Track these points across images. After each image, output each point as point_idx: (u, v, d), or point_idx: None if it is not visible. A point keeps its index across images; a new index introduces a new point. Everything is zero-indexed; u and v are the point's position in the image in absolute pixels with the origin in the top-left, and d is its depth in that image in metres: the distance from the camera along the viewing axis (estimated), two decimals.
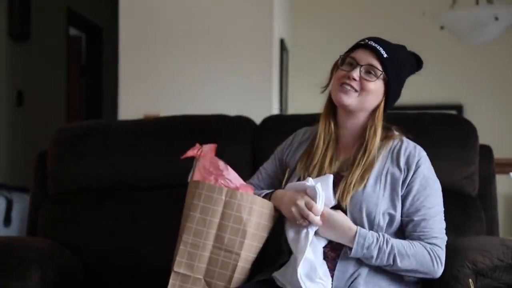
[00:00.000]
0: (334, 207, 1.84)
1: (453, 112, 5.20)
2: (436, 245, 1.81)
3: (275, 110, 4.10)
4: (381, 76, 1.86)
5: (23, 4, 5.14)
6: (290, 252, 1.85)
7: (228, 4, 3.99)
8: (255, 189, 1.98)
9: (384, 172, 1.86)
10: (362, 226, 1.81)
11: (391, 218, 1.83)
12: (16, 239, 2.52)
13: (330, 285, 1.78)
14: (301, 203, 1.81)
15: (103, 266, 2.41)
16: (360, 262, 1.81)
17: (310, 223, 1.80)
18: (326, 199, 1.82)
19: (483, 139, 2.37)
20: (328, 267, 1.81)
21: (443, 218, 1.87)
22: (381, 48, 1.86)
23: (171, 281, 1.84)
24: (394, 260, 1.78)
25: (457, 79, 5.48)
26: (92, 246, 2.43)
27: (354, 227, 1.80)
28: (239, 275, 1.83)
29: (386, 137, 1.90)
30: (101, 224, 2.45)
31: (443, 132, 2.34)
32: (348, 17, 5.53)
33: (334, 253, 1.83)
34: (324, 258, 1.82)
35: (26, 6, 5.18)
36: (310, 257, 1.78)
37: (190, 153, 1.96)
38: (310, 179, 1.85)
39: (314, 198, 1.81)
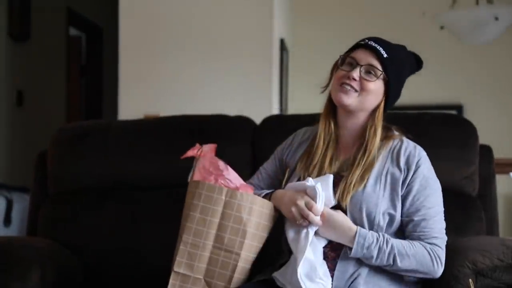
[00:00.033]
0: (334, 207, 1.84)
1: (453, 112, 5.20)
2: (436, 245, 1.81)
3: (275, 110, 4.10)
4: (381, 76, 1.86)
5: (23, 4, 5.14)
6: (290, 252, 1.85)
7: (228, 4, 3.99)
8: (255, 189, 1.98)
9: (384, 172, 1.86)
10: (362, 226, 1.81)
11: (391, 218, 1.83)
12: (16, 239, 2.52)
13: (330, 285, 1.78)
14: (301, 203, 1.81)
15: (103, 266, 2.41)
16: (360, 262, 1.81)
17: (310, 223, 1.80)
18: (326, 199, 1.82)
19: (483, 139, 2.37)
20: (328, 267, 1.81)
21: (443, 218, 1.87)
22: (381, 48, 1.85)
23: (171, 281, 1.84)
24: (394, 260, 1.78)
25: (457, 79, 5.48)
26: (92, 246, 2.43)
27: (354, 227, 1.80)
28: (239, 275, 1.83)
29: (386, 137, 1.90)
30: (101, 224, 2.45)
31: (443, 132, 2.34)
32: (348, 17, 5.53)
33: (334, 253, 1.83)
34: (324, 258, 1.82)
35: (26, 6, 5.18)
36: (310, 257, 1.78)
37: (190, 153, 1.96)
38: (310, 179, 1.85)
39: (314, 198, 1.81)
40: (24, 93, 5.22)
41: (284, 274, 1.82)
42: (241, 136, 2.49)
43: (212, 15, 3.98)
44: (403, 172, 1.85)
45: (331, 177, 1.84)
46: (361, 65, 1.85)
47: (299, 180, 1.92)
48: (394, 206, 1.83)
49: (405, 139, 1.92)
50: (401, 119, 2.10)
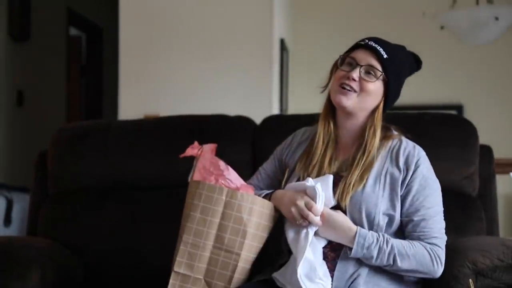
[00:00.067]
0: (334, 208, 1.84)
1: (453, 112, 5.20)
2: (436, 245, 1.81)
3: (275, 110, 4.10)
4: (381, 77, 1.86)
5: (23, 4, 5.14)
6: (289, 253, 1.85)
7: (228, 4, 3.99)
8: (254, 189, 1.98)
9: (384, 172, 1.86)
10: (362, 227, 1.80)
11: (391, 218, 1.83)
12: (16, 239, 2.52)
13: (330, 286, 1.78)
14: (300, 203, 1.81)
15: (103, 266, 2.41)
16: (360, 262, 1.81)
17: (310, 223, 1.80)
18: (326, 199, 1.82)
19: (483, 139, 2.37)
20: (328, 267, 1.81)
21: (443, 218, 1.87)
22: (381, 49, 1.85)
23: (171, 281, 1.84)
24: (394, 260, 1.78)
25: (457, 79, 5.48)
26: (92, 246, 2.43)
27: (354, 227, 1.80)
28: (239, 275, 1.83)
29: (385, 137, 1.90)
30: (101, 224, 2.45)
31: (443, 132, 2.34)
32: (348, 17, 5.53)
33: (334, 253, 1.83)
34: (324, 259, 1.82)
35: (26, 6, 5.18)
36: (309, 257, 1.78)
37: (190, 152, 1.96)
38: (310, 179, 1.85)
39: (314, 198, 1.81)
40: (24, 93, 5.22)
41: (284, 275, 1.82)
42: (241, 136, 2.49)
43: (213, 15, 3.98)
44: (402, 172, 1.85)
45: (331, 177, 1.84)
46: (361, 66, 1.85)
47: (298, 180, 1.92)
48: (393, 206, 1.83)
49: (404, 138, 1.92)
50: (401, 119, 2.10)
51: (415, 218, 1.82)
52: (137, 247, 2.40)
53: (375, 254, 1.78)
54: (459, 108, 5.41)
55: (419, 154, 1.87)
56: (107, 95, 6.28)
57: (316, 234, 1.82)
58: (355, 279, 1.79)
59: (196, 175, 1.91)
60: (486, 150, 2.39)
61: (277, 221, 1.90)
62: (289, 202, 1.84)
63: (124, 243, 2.42)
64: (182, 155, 1.97)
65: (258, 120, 2.59)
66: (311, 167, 1.91)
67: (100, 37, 6.53)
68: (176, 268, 1.84)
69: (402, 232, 1.85)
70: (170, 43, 3.98)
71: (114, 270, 2.40)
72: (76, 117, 6.07)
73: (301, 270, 1.76)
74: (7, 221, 4.10)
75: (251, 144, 2.48)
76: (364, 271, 1.80)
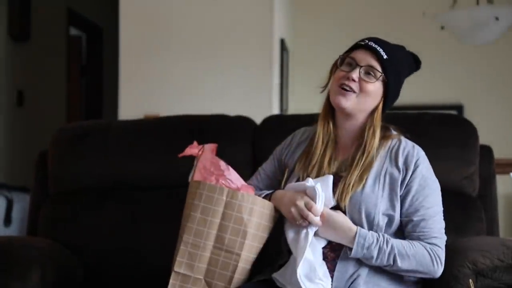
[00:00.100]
0: (333, 208, 1.84)
1: (453, 112, 5.20)
2: (436, 245, 1.81)
3: (275, 110, 4.10)
4: (381, 78, 1.85)
5: (23, 4, 5.14)
6: (289, 253, 1.85)
7: (228, 4, 3.99)
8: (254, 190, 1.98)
9: (383, 173, 1.85)
10: (361, 227, 1.80)
11: (390, 218, 1.83)
12: (16, 239, 2.52)
13: (330, 286, 1.78)
14: (300, 203, 1.81)
15: (103, 266, 2.41)
16: (360, 262, 1.81)
17: (309, 223, 1.80)
18: (326, 199, 1.82)
19: (483, 139, 2.37)
20: (328, 267, 1.81)
21: (442, 217, 1.87)
22: (381, 49, 1.85)
23: (171, 281, 1.84)
24: (394, 260, 1.78)
25: (457, 79, 5.48)
26: (92, 246, 2.43)
27: (354, 227, 1.79)
28: (239, 275, 1.83)
29: (384, 137, 1.90)
30: (101, 224, 2.45)
31: (443, 132, 2.34)
32: (348, 17, 5.53)
33: (334, 253, 1.83)
34: (324, 259, 1.82)
35: (26, 6, 5.18)
36: (309, 257, 1.78)
37: (189, 151, 1.96)
38: (310, 179, 1.85)
39: (313, 198, 1.81)
40: (24, 93, 5.22)
41: (284, 275, 1.82)
42: (241, 136, 2.49)
43: (213, 15, 3.99)
44: (401, 172, 1.85)
45: (330, 178, 1.84)
46: (361, 66, 1.85)
47: (298, 180, 1.92)
48: (393, 207, 1.83)
49: (403, 138, 1.92)
50: (401, 119, 2.10)
51: (415, 218, 1.82)
52: (137, 247, 2.40)
53: (375, 254, 1.78)
54: (459, 108, 5.41)
55: (418, 154, 1.87)
56: (107, 95, 6.28)
57: (316, 234, 1.82)
58: (355, 279, 1.79)
59: (197, 175, 1.91)
60: (486, 150, 2.39)
61: (277, 222, 1.90)
62: (289, 202, 1.84)
63: (124, 243, 2.42)
64: (181, 155, 1.97)
65: (258, 120, 2.59)
66: (310, 167, 1.91)
67: (100, 37, 6.54)
68: (176, 268, 1.84)
69: (402, 232, 1.85)
70: (170, 43, 3.98)
71: (114, 270, 2.40)
72: (76, 117, 6.07)
73: (301, 271, 1.76)
74: (7, 221, 4.10)
75: (251, 144, 2.48)
76: (364, 271, 1.80)
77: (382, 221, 1.82)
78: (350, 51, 1.90)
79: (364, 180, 1.83)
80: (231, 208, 1.84)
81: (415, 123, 2.30)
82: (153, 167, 2.50)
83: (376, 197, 1.82)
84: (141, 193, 2.50)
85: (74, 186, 2.55)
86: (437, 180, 1.89)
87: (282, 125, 2.43)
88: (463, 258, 1.83)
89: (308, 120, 2.08)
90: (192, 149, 1.96)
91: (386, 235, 1.80)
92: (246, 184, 1.92)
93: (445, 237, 1.85)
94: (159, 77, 3.99)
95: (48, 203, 2.55)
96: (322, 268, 1.79)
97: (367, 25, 5.23)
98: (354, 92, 1.84)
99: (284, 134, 2.12)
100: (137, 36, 4.02)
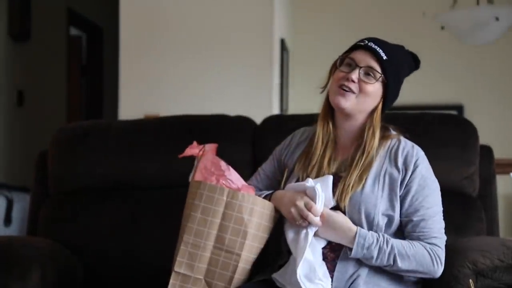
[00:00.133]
0: (333, 208, 1.84)
1: (454, 112, 5.20)
2: (436, 245, 1.81)
3: (276, 110, 4.10)
4: (380, 79, 1.85)
5: (23, 4, 5.14)
6: (289, 253, 1.84)
7: (228, 4, 4.00)
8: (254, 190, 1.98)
9: (382, 173, 1.85)
10: (361, 227, 1.80)
11: (390, 219, 1.83)
12: (16, 239, 2.52)
13: (330, 286, 1.77)
14: (300, 203, 1.81)
15: (103, 266, 2.40)
16: (359, 262, 1.81)
17: (309, 223, 1.80)
18: (326, 200, 1.82)
19: (483, 139, 2.37)
20: (328, 268, 1.81)
21: (442, 217, 1.87)
22: (380, 50, 1.85)
23: (171, 281, 1.84)
24: (394, 260, 1.78)
25: (457, 79, 5.48)
26: (92, 246, 2.43)
27: (354, 227, 1.79)
28: (239, 275, 1.83)
29: (383, 137, 1.90)
30: (101, 224, 2.45)
31: (443, 132, 2.34)
32: (348, 17, 5.53)
33: (334, 254, 1.83)
34: (324, 259, 1.82)
35: (26, 6, 5.18)
36: (309, 258, 1.78)
37: (189, 152, 1.96)
38: (310, 179, 1.84)
39: (313, 198, 1.81)
40: (24, 93, 5.22)
41: (284, 275, 1.82)
42: (241, 136, 2.49)
43: (213, 15, 3.99)
44: (401, 172, 1.85)
45: (330, 178, 1.84)
46: (360, 67, 1.85)
47: (297, 180, 1.92)
48: (392, 207, 1.83)
49: (402, 138, 1.92)
50: (401, 119, 2.10)
51: (415, 218, 1.82)
52: (137, 247, 2.40)
53: (375, 254, 1.77)
54: (459, 108, 5.41)
55: (418, 154, 1.87)
56: (107, 95, 6.28)
57: (315, 234, 1.82)
58: (355, 279, 1.79)
59: (197, 175, 1.91)
60: (487, 151, 2.39)
61: (277, 222, 1.90)
62: (289, 202, 1.84)
63: (124, 243, 2.42)
64: (181, 155, 1.97)
65: (258, 120, 2.59)
66: (310, 168, 1.91)
67: (101, 37, 6.53)
68: (176, 268, 1.84)
69: (401, 233, 1.85)
70: (170, 43, 3.99)
71: (114, 270, 2.40)
72: (76, 117, 6.07)
73: (301, 271, 1.76)
74: (7, 220, 4.11)
75: (251, 144, 2.48)
76: (364, 272, 1.80)
77: (381, 221, 1.82)
78: (349, 51, 1.90)
79: (364, 180, 1.83)
80: (231, 209, 1.83)
81: (415, 123, 2.30)
82: (153, 167, 2.50)
83: (375, 197, 1.82)
84: (141, 193, 2.50)
85: (74, 186, 2.54)
86: (436, 180, 1.89)
87: (282, 125, 2.43)
88: (463, 258, 1.83)
89: (308, 120, 2.07)
90: (193, 149, 1.96)
91: (386, 235, 1.80)
92: (246, 184, 1.92)
93: (445, 237, 1.85)
94: (159, 77, 3.99)
95: (48, 203, 2.55)
96: (322, 269, 1.79)
97: (367, 25, 5.23)
98: (353, 93, 1.84)
99: (284, 134, 2.12)
100: (137, 36, 4.02)
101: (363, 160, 1.85)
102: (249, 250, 1.84)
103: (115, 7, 4.16)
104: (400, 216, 1.84)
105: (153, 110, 3.85)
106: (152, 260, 2.35)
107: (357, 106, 1.86)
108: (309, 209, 1.79)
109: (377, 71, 1.84)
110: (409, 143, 1.90)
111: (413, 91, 3.56)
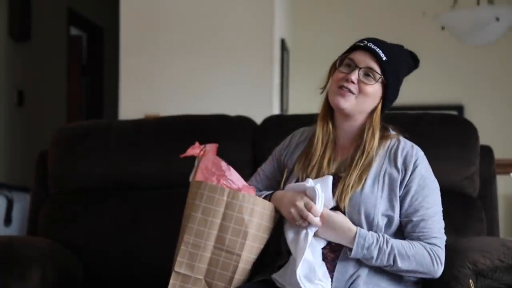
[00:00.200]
0: (333, 209, 1.83)
1: (454, 112, 5.20)
2: (436, 245, 1.81)
3: (276, 110, 4.10)
4: (380, 80, 1.85)
5: (24, 4, 5.14)
6: (289, 253, 1.84)
7: (228, 4, 4.00)
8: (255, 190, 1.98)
9: (382, 173, 1.85)
10: (361, 227, 1.80)
11: (390, 219, 1.83)
12: (16, 239, 2.52)
13: (330, 286, 1.77)
14: (300, 204, 1.80)
15: (103, 266, 2.40)
16: (359, 263, 1.81)
17: (309, 224, 1.80)
18: (326, 200, 1.82)
19: (483, 140, 2.37)
20: (328, 268, 1.80)
21: (442, 217, 1.87)
22: (380, 51, 1.84)
23: (171, 281, 1.84)
24: (394, 260, 1.78)
25: (458, 79, 5.48)
26: (92, 246, 2.43)
27: (354, 227, 1.79)
28: (239, 276, 1.83)
29: (382, 137, 1.90)
30: (101, 224, 2.45)
31: (443, 132, 2.34)
32: (348, 17, 5.53)
33: (334, 254, 1.83)
34: (324, 259, 1.82)
35: (27, 6, 5.18)
36: (309, 258, 1.78)
37: (191, 152, 1.96)
38: (309, 180, 1.84)
39: (313, 199, 1.81)
40: (24, 93, 5.22)
41: (283, 275, 1.81)
42: (241, 136, 2.49)
43: (213, 16, 3.99)
44: (400, 172, 1.85)
45: (330, 178, 1.84)
46: (360, 68, 1.84)
47: (297, 180, 1.92)
48: (392, 207, 1.83)
49: (402, 138, 1.92)
50: (401, 119, 2.10)
51: (414, 219, 1.82)
52: (137, 247, 2.40)
53: (375, 254, 1.77)
54: (459, 108, 5.41)
55: (417, 154, 1.87)
56: (107, 95, 6.28)
57: (315, 235, 1.82)
58: (355, 280, 1.79)
59: (198, 175, 1.91)
60: (487, 151, 2.39)
61: (277, 222, 1.90)
62: (288, 202, 1.84)
63: (124, 243, 2.42)
64: (182, 155, 1.97)
65: (258, 120, 2.59)
66: (310, 168, 1.91)
67: (101, 37, 6.53)
68: (176, 268, 1.84)
69: (401, 233, 1.85)
70: (170, 43, 3.99)
71: (114, 270, 2.40)
72: (76, 117, 6.06)
73: (301, 271, 1.75)
74: (8, 220, 4.11)
75: (251, 144, 2.48)
76: (364, 272, 1.80)
77: (381, 221, 1.81)
78: (349, 52, 1.89)
79: (363, 181, 1.83)
80: (232, 209, 1.83)
81: (415, 123, 2.30)
82: (153, 167, 2.50)
83: (375, 197, 1.82)
84: (141, 193, 2.50)
85: (74, 186, 2.54)
86: (436, 180, 1.89)
87: (282, 125, 2.43)
88: (463, 259, 1.83)
89: (308, 120, 2.07)
90: (194, 150, 1.96)
91: (386, 236, 1.80)
92: (247, 184, 1.92)
93: (445, 237, 1.85)
94: (159, 77, 3.99)
95: (48, 203, 2.55)
96: (321, 269, 1.79)
97: (367, 25, 5.23)
98: (353, 93, 1.84)
99: (284, 134, 2.12)
100: (137, 36, 4.02)
101: (362, 160, 1.85)
102: (249, 251, 1.84)
103: (116, 7, 4.16)
104: (400, 216, 1.84)
105: (153, 110, 3.85)
106: (152, 260, 2.35)
107: (356, 107, 1.85)
108: (309, 209, 1.79)
109: (377, 72, 1.84)
110: (409, 143, 1.90)
111: (413, 91, 3.57)
